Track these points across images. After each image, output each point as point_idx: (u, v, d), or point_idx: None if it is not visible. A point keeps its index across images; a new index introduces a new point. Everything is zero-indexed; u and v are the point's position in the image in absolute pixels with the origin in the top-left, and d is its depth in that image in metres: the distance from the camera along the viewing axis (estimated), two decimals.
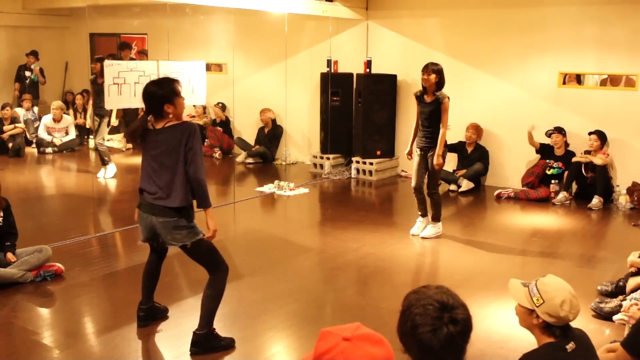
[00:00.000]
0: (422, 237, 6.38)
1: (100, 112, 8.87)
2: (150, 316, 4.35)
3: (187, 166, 3.77)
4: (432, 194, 6.34)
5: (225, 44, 11.39)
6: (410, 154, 6.49)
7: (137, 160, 10.48)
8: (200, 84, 6.88)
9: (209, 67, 10.44)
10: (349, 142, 10.03)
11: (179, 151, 3.75)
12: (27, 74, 12.56)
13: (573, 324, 2.59)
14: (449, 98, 6.12)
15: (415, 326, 1.86)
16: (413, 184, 6.38)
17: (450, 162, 8.84)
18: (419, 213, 6.53)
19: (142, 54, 10.96)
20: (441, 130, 6.09)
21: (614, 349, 3.17)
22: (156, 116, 3.84)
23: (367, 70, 9.58)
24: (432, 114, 6.11)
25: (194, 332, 3.96)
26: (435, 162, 6.12)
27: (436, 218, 6.46)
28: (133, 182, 9.07)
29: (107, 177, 9.20)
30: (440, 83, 6.09)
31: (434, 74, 6.02)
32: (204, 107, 11.43)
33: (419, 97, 6.23)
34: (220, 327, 4.17)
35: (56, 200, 8.36)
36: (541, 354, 2.54)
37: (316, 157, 10.13)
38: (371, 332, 1.67)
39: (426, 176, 6.29)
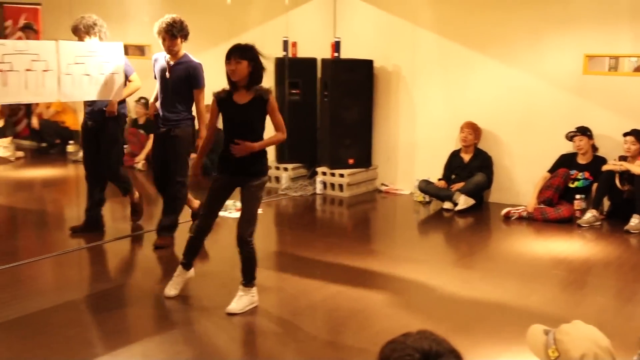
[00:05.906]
0: (230, 314, 5.07)
1: None
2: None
3: None
4: (246, 243, 5.22)
5: (149, 20, 10.58)
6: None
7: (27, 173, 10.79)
8: (116, 73, 6.62)
9: (126, 51, 10.03)
10: (313, 148, 9.79)
11: None
12: None
13: None
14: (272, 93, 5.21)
15: None
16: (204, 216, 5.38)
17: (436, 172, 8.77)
18: (183, 261, 5.41)
19: (28, 30, 10.11)
20: (279, 136, 5.17)
21: None
22: None
23: (335, 54, 9.38)
24: (252, 120, 5.05)
25: None
26: (240, 149, 4.94)
27: (250, 279, 5.23)
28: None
29: None
30: (256, 74, 5.04)
31: (246, 60, 4.96)
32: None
33: (224, 100, 5.08)
34: None
35: None
36: None
37: (270, 167, 9.38)
38: None
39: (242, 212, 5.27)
